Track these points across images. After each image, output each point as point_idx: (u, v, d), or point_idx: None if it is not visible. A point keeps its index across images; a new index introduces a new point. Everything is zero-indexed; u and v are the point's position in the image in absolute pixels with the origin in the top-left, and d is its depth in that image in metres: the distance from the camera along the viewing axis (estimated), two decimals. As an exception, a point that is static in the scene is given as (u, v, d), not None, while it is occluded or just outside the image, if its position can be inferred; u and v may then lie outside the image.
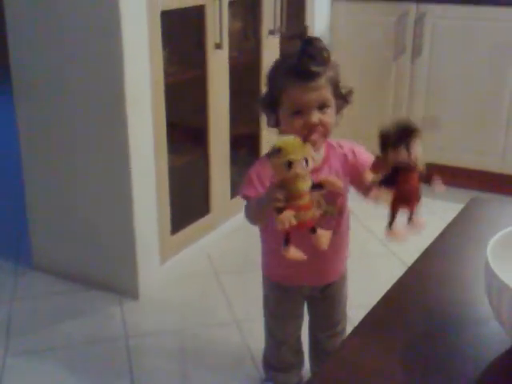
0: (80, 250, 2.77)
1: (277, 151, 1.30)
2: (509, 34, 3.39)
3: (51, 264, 2.86)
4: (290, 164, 1.29)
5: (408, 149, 1.45)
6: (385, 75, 3.73)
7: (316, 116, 1.58)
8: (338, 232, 1.76)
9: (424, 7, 3.53)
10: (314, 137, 1.59)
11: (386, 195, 1.49)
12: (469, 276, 1.36)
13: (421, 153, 1.47)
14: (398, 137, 1.47)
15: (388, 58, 3.70)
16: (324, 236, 1.39)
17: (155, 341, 2.43)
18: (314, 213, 1.35)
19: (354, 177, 1.71)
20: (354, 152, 1.72)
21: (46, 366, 2.30)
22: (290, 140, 1.32)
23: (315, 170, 1.64)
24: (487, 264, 1.03)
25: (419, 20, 3.56)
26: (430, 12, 3.53)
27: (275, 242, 1.62)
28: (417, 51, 3.61)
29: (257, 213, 1.60)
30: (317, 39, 1.62)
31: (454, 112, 3.61)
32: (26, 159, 2.77)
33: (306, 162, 1.31)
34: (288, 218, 1.31)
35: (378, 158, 1.51)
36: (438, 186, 1.47)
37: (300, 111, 1.58)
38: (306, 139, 1.54)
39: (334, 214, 1.71)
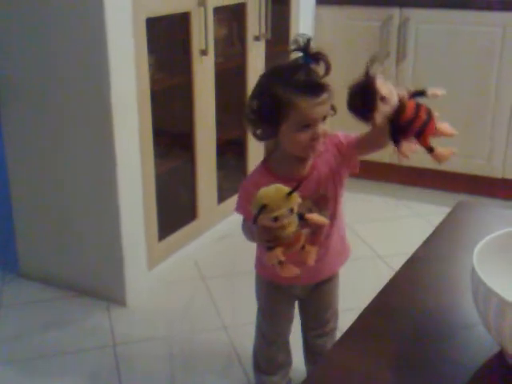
0: (67, 256, 2.76)
1: (262, 208, 1.33)
2: (492, 38, 3.41)
3: (38, 271, 2.85)
4: (275, 218, 1.34)
5: (382, 99, 1.44)
6: (370, 80, 3.74)
7: (321, 127, 1.60)
8: (330, 235, 1.77)
9: (408, 12, 3.55)
10: (320, 147, 1.63)
11: (409, 145, 1.49)
12: (456, 281, 1.37)
13: (391, 86, 1.47)
14: (364, 99, 1.46)
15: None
16: (311, 252, 1.45)
17: (143, 347, 2.43)
18: (302, 242, 1.42)
19: (350, 159, 1.71)
20: (335, 144, 1.72)
21: (34, 374, 2.28)
22: (272, 193, 1.35)
23: (302, 178, 1.66)
24: (473, 270, 1.04)
25: (403, 25, 3.58)
26: (414, 17, 3.55)
27: None
28: (401, 56, 3.63)
29: (250, 239, 1.63)
30: (321, 53, 1.63)
31: (439, 115, 3.62)
32: (11, 166, 2.76)
33: (292, 210, 1.35)
34: (277, 256, 1.39)
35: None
36: (435, 91, 1.50)
37: (308, 125, 1.59)
38: (312, 151, 1.63)
39: (327, 218, 1.71)
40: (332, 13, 3.74)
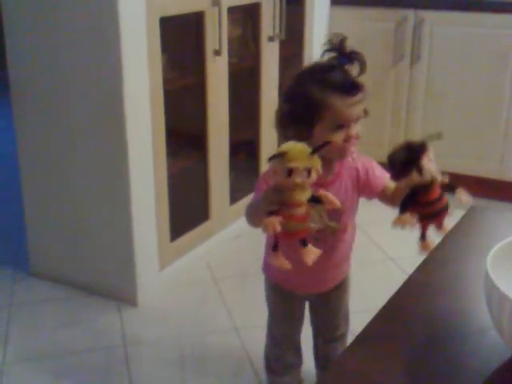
0: (78, 256, 2.76)
1: (280, 155, 1.23)
2: (507, 41, 3.39)
3: (49, 270, 2.85)
4: (290, 171, 1.23)
5: (419, 169, 1.43)
6: (383, 81, 3.73)
7: (355, 128, 1.59)
8: (337, 248, 1.76)
9: (422, 13, 3.54)
10: (353, 149, 1.61)
11: (411, 219, 1.47)
12: (469, 285, 1.36)
13: (434, 166, 1.45)
14: (406, 160, 1.45)
15: (387, 64, 3.70)
16: (312, 253, 1.34)
17: (154, 348, 2.42)
18: (308, 226, 1.30)
19: (369, 193, 1.71)
20: (367, 169, 1.70)
21: (44, 373, 2.29)
22: (298, 146, 1.25)
23: (326, 184, 1.63)
24: (487, 275, 1.03)
25: (418, 26, 3.56)
26: (429, 18, 3.53)
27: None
28: (415, 58, 3.61)
29: (253, 213, 1.54)
30: (356, 52, 1.61)
31: (453, 118, 3.61)
32: (23, 165, 2.76)
33: (309, 172, 1.24)
34: (272, 223, 1.25)
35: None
36: (463, 195, 1.46)
37: (343, 125, 1.57)
38: (345, 152, 1.60)
39: (336, 230, 1.70)
40: (346, 14, 3.72)
